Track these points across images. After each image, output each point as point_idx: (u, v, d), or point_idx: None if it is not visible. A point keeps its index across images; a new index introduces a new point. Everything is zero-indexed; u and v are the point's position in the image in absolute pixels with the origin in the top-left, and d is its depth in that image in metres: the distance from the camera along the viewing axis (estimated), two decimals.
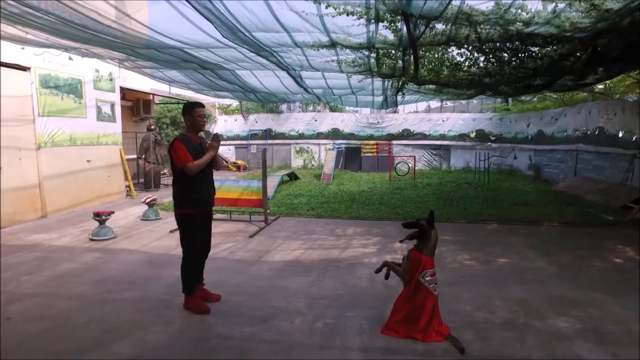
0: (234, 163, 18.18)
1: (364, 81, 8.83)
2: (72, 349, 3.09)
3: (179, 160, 3.55)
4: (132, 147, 11.81)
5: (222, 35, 5.35)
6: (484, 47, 5.19)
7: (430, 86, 8.82)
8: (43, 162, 7.69)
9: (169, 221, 7.72)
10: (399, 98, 12.09)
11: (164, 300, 3.99)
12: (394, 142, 17.37)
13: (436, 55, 5.92)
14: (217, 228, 7.28)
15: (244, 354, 3.03)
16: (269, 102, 17.67)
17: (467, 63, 5.80)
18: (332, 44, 5.56)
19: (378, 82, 9.06)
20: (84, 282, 4.50)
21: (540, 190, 11.09)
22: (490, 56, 5.48)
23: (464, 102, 16.85)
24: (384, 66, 6.31)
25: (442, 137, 16.98)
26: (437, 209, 8.74)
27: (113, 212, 6.56)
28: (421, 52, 5.63)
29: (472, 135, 16.53)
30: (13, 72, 7.18)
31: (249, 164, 18.89)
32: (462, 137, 16.75)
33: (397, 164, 15.36)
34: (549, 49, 5.27)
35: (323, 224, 7.66)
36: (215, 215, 8.14)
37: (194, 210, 3.66)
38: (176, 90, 16.11)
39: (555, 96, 13.40)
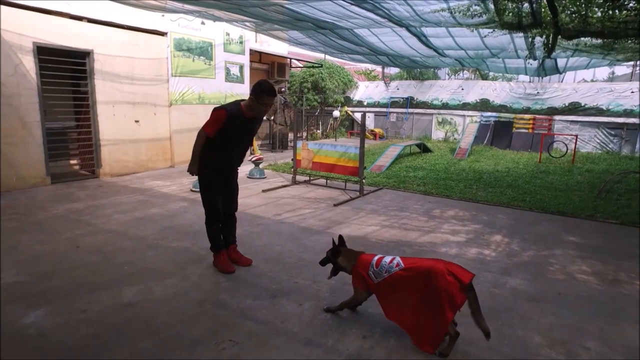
0: (371, 131, 17.83)
1: (500, 38, 7.29)
2: (90, 284, 3.30)
3: (206, 123, 3.38)
4: None
5: None
6: None
7: (594, 41, 6.74)
8: (174, 117, 8.69)
9: (271, 181, 7.92)
10: (560, 62, 9.77)
11: (199, 255, 4.00)
12: (557, 117, 14.30)
13: None
14: (309, 193, 7.16)
15: (221, 328, 2.73)
16: (410, 68, 16.51)
17: None
18: None
19: (520, 40, 7.35)
20: (153, 227, 4.86)
21: None
22: None
23: None
24: (507, 13, 4.93)
25: (628, 113, 13.18)
26: (585, 201, 6.82)
27: None
28: None
29: None
30: (153, 36, 8.15)
31: (387, 133, 18.27)
32: None
33: (550, 143, 12.66)
34: None
35: (424, 201, 6.79)
36: (314, 181, 8.08)
37: (211, 173, 3.50)
38: (330, 58, 16.38)
39: None
